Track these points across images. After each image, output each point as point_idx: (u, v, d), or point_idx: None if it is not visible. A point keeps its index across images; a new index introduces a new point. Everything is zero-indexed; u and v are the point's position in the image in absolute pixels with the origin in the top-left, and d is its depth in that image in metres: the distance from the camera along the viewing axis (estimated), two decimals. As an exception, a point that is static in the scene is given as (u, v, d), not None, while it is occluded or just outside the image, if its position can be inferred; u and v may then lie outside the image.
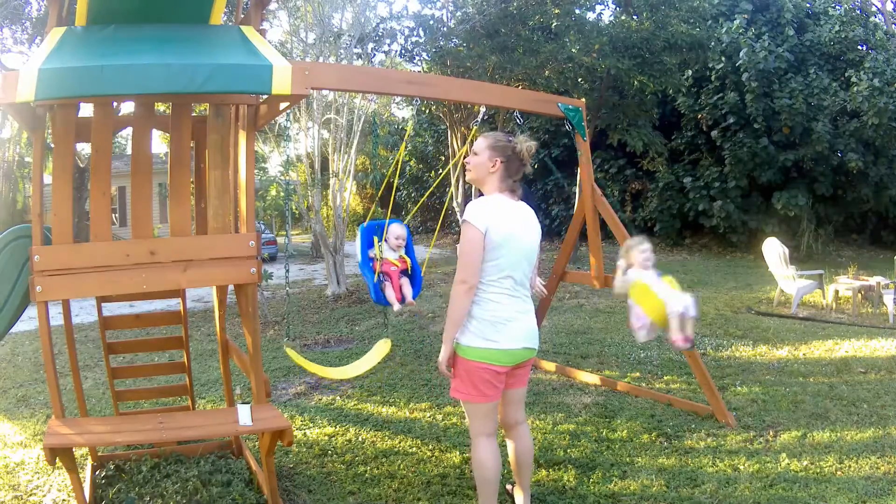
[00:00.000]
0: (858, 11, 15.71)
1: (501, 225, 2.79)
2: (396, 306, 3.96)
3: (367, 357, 4.31)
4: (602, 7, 13.88)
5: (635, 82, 12.16)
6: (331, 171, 10.69)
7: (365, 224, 4.14)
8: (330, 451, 4.00)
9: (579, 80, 12.04)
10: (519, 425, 3.06)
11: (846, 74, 13.97)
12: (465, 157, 3.14)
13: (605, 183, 16.93)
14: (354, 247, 4.39)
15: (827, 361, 5.79)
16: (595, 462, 3.74)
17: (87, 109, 3.32)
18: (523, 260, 2.88)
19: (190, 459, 3.51)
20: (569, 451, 3.91)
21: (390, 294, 3.96)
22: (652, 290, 3.68)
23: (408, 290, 4.02)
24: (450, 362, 2.88)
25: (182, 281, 2.96)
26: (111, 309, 4.93)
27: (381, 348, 4.28)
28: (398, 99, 17.35)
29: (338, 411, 4.78)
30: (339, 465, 3.80)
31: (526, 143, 2.94)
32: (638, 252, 3.80)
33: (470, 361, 2.81)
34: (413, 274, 4.09)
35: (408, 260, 4.09)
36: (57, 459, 2.66)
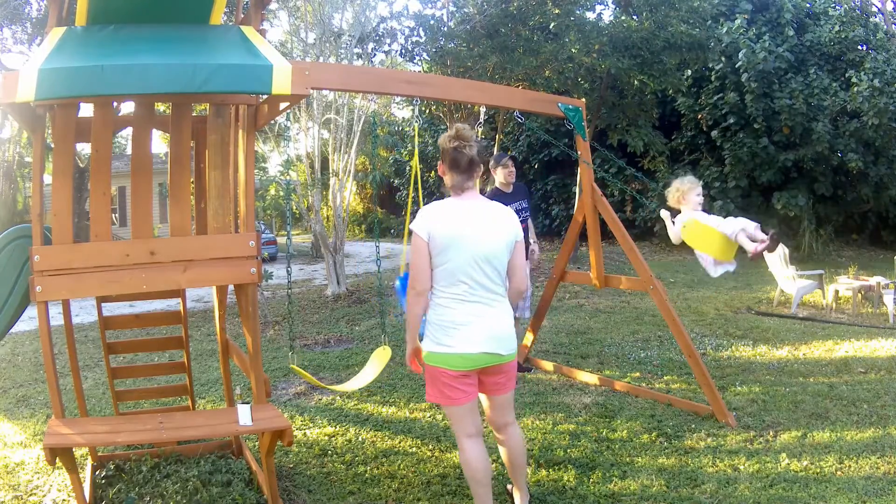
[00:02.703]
0: (858, 11, 15.71)
1: (445, 229, 2.75)
2: None
3: (368, 368, 4.24)
4: (602, 7, 13.89)
5: (635, 82, 12.16)
6: (331, 171, 10.69)
7: (401, 274, 4.09)
8: (330, 451, 3.99)
9: (579, 80, 12.04)
10: (508, 427, 3.03)
11: (846, 75, 13.97)
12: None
13: (605, 183, 16.93)
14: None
15: (827, 361, 5.79)
16: (595, 462, 3.74)
17: (87, 109, 3.32)
18: (481, 262, 2.76)
19: (190, 459, 3.51)
20: (569, 451, 3.91)
21: None
22: (706, 225, 3.76)
23: None
24: (421, 359, 2.95)
25: (182, 281, 2.96)
26: (111, 309, 4.94)
27: (381, 356, 4.18)
28: (398, 99, 17.34)
29: (338, 411, 4.78)
30: (339, 465, 3.80)
31: (444, 134, 2.89)
32: (694, 194, 3.86)
33: (430, 366, 2.87)
34: None
35: None
36: (57, 459, 2.66)
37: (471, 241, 2.75)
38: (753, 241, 3.76)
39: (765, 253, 3.83)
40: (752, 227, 3.76)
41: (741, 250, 3.93)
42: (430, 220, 2.78)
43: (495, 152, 13.58)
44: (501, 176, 5.42)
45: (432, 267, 2.81)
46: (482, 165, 2.92)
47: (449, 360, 2.80)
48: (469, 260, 2.75)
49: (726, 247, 3.82)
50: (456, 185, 2.85)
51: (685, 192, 3.96)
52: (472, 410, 2.90)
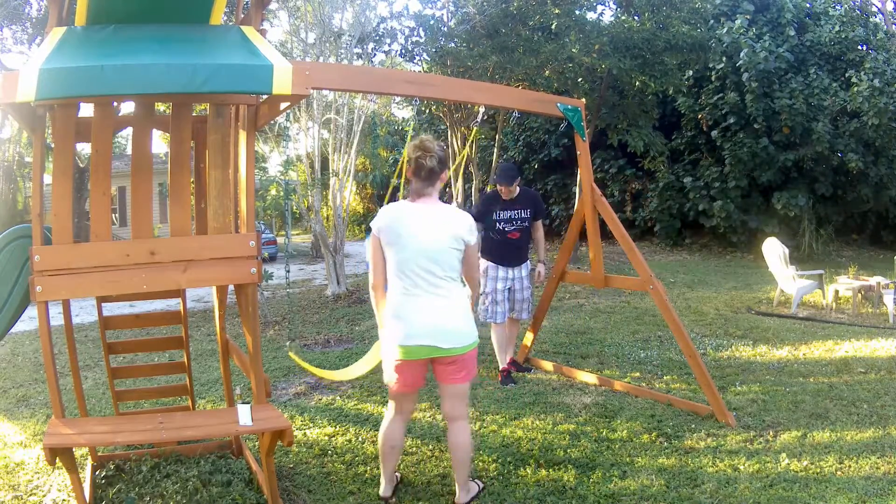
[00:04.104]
0: (858, 12, 15.70)
1: (391, 227, 3.03)
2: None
3: (367, 357, 4.29)
4: (603, 7, 13.87)
5: (636, 82, 12.16)
6: (331, 171, 10.69)
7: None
8: (330, 451, 4.00)
9: (579, 80, 12.04)
10: (454, 421, 3.19)
11: (846, 75, 13.96)
12: (465, 158, 3.25)
13: (605, 183, 16.94)
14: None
15: (827, 361, 5.79)
16: (595, 462, 3.74)
17: (87, 109, 3.32)
18: (420, 258, 2.98)
19: (190, 459, 3.51)
20: (569, 451, 3.91)
21: None
22: None
23: None
24: None
25: (182, 281, 2.96)
26: (111, 309, 4.93)
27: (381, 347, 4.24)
28: (398, 99, 17.35)
29: (338, 411, 4.78)
30: (339, 465, 3.80)
31: (411, 143, 3.12)
32: None
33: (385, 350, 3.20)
34: None
35: None
36: (57, 459, 2.66)
37: (412, 239, 2.99)
38: None
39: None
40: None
41: None
42: (380, 218, 3.08)
43: (495, 153, 13.61)
44: (500, 191, 5.33)
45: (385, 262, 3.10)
46: (445, 174, 3.13)
47: (394, 351, 3.08)
48: (412, 255, 2.99)
49: None
50: (415, 190, 3.10)
51: None
52: (407, 399, 3.21)
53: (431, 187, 3.09)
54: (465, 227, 3.06)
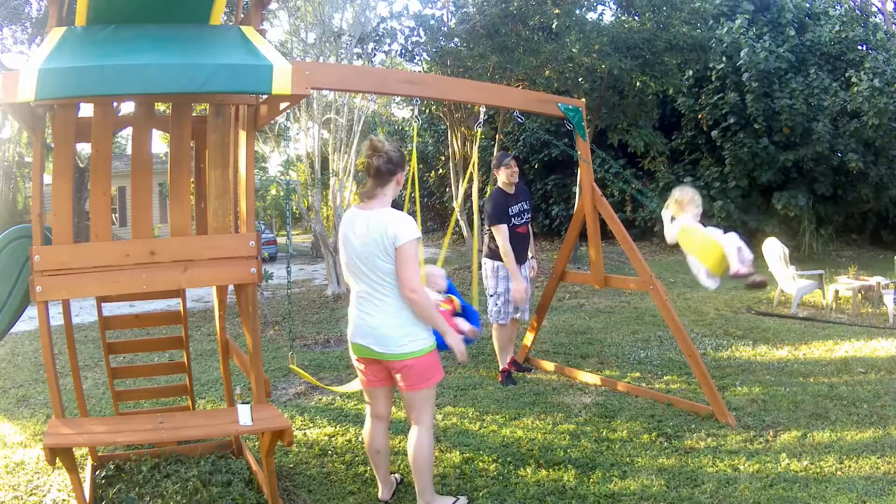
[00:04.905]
0: (858, 12, 15.70)
1: (341, 230, 3.16)
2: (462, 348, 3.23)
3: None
4: (603, 7, 13.88)
5: (636, 82, 12.16)
6: (331, 171, 10.70)
7: None
8: (330, 451, 4.00)
9: (579, 80, 12.04)
10: (413, 425, 3.13)
11: (846, 74, 13.97)
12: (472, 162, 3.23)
13: (605, 183, 16.92)
14: None
15: (827, 361, 5.79)
16: (595, 462, 3.74)
17: (87, 109, 3.32)
18: (357, 262, 3.03)
19: (190, 459, 3.51)
20: (569, 451, 3.91)
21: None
22: (704, 233, 3.80)
23: (465, 325, 3.49)
24: None
25: (182, 281, 2.96)
26: (111, 309, 4.94)
27: None
28: (398, 99, 17.34)
29: (338, 411, 4.78)
30: (339, 465, 3.80)
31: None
32: (693, 206, 3.95)
33: None
34: (466, 312, 3.59)
35: (455, 300, 3.62)
36: (57, 459, 2.66)
37: (349, 244, 3.06)
38: (740, 261, 3.81)
39: (749, 278, 3.82)
40: (746, 248, 3.84)
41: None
42: (341, 223, 3.19)
43: (495, 152, 13.60)
44: (504, 176, 5.21)
45: None
46: (400, 176, 3.10)
47: (350, 346, 3.21)
48: (350, 259, 3.07)
49: (721, 261, 3.85)
50: (366, 191, 3.10)
51: (684, 204, 4.03)
52: (376, 396, 3.22)
53: (381, 188, 3.04)
54: (393, 229, 2.90)
